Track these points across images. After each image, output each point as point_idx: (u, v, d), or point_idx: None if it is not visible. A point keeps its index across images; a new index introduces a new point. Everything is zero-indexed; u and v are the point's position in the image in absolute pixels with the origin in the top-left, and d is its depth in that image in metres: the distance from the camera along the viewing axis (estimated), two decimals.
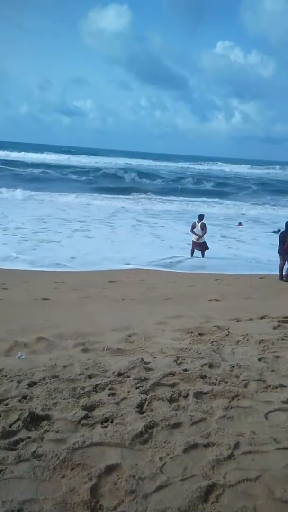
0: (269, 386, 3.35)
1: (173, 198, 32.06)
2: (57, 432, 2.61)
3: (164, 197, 31.92)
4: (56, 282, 9.23)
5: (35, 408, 2.87)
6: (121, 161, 69.05)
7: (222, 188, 41.80)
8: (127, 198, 29.98)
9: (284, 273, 11.00)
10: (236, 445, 2.53)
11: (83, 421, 2.74)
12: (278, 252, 11.24)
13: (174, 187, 38.78)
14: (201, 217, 14.25)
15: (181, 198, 32.58)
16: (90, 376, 3.46)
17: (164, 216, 23.55)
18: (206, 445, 2.53)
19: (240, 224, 21.39)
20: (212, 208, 27.48)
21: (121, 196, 30.73)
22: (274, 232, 17.66)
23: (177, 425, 2.75)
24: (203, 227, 13.84)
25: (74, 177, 43.77)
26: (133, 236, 17.21)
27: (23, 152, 68.41)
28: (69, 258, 12.45)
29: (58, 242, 15.01)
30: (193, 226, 13.98)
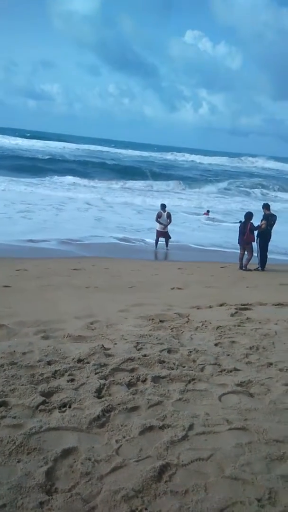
0: (224, 370, 3.49)
1: (130, 184, 31.95)
2: (14, 417, 2.61)
3: (123, 185, 31.79)
4: (18, 270, 9.05)
5: None
6: (85, 147, 68.03)
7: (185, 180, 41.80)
8: (92, 187, 29.56)
9: (244, 263, 11.32)
10: (190, 427, 2.63)
11: (41, 407, 2.75)
12: (238, 243, 11.54)
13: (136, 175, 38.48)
14: (164, 206, 14.33)
15: (142, 183, 32.56)
16: (49, 363, 3.46)
17: (114, 202, 23.64)
18: (162, 427, 2.61)
19: (207, 213, 21.54)
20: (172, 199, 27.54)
21: (83, 182, 30.31)
22: (235, 223, 18.19)
23: (134, 409, 2.81)
24: (169, 217, 13.94)
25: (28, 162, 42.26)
26: (72, 218, 17.31)
27: None
28: None
29: None
30: (159, 216, 13.97)
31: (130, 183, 32.78)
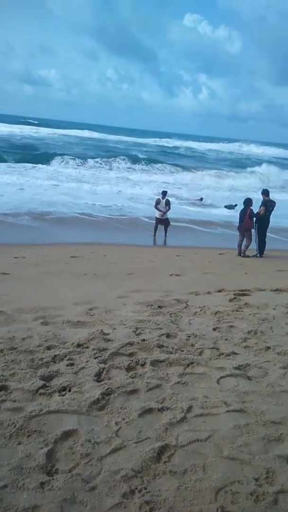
0: (222, 354, 3.51)
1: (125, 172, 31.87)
2: (14, 401, 2.63)
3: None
4: (16, 257, 9.05)
5: None
6: (83, 134, 67.71)
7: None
8: (83, 174, 29.28)
9: (242, 249, 11.33)
10: (189, 409, 2.65)
11: (41, 390, 2.77)
12: (238, 229, 11.54)
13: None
14: (164, 193, 14.27)
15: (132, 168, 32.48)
16: (49, 348, 3.48)
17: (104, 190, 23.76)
18: (161, 410, 2.64)
19: (200, 199, 21.57)
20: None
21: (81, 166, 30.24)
22: (226, 206, 18.34)
23: (133, 392, 2.84)
24: (168, 204, 13.89)
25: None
26: (52, 196, 18.22)
27: None
28: None
29: None
30: (157, 203, 13.90)
31: (124, 170, 32.54)
